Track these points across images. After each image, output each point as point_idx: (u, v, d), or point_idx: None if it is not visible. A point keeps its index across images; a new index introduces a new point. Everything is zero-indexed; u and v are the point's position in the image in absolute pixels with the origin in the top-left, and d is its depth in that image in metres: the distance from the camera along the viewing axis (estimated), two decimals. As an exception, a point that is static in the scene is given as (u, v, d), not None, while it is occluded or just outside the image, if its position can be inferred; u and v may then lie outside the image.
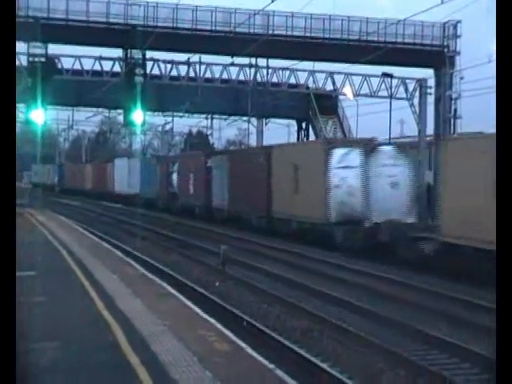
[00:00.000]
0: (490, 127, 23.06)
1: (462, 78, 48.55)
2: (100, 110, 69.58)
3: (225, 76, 51.47)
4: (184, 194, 53.19)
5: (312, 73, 52.78)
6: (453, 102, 49.23)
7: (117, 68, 47.99)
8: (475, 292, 19.78)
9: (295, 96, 57.60)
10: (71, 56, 49.00)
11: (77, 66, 48.85)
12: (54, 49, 45.44)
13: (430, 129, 50.04)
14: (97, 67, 49.06)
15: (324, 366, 12.56)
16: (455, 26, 49.45)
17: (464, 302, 18.96)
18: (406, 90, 52.64)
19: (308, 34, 48.25)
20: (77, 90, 55.06)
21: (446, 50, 49.55)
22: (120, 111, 53.40)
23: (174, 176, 56.45)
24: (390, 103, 48.33)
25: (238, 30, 44.74)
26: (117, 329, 12.05)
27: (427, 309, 18.18)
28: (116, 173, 74.43)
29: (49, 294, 15.53)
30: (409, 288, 21.49)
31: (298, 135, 64.70)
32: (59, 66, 48.22)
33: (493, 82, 38.37)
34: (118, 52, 46.49)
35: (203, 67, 50.74)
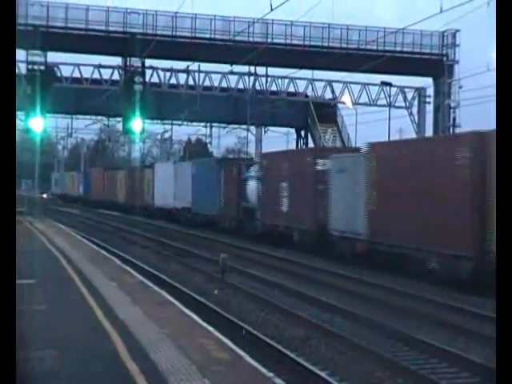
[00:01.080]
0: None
1: (460, 87, 48.71)
2: (99, 117, 69.68)
3: (224, 84, 51.71)
4: (270, 212, 36.40)
5: (311, 81, 52.92)
6: (452, 110, 49.33)
7: (116, 76, 48.17)
8: None
9: (294, 104, 57.69)
10: (70, 64, 49.21)
11: (76, 74, 49.03)
12: (53, 57, 45.65)
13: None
14: (96, 75, 49.23)
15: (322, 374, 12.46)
16: (454, 35, 49.63)
17: None
18: (405, 98, 52.81)
19: (307, 43, 48.43)
20: (76, 97, 55.12)
21: (444, 58, 49.68)
22: (119, 119, 53.48)
23: (252, 185, 39.85)
24: (389, 112, 48.47)
25: (237, 38, 44.84)
26: (116, 337, 12.03)
27: None
28: (157, 181, 59.71)
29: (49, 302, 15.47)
30: None
31: (297, 144, 64.76)
32: (58, 73, 48.38)
33: (492, 91, 38.47)
34: (117, 60, 46.73)
35: (202, 75, 50.95)
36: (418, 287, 21.96)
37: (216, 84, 51.45)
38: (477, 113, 47.39)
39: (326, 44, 48.66)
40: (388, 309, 18.60)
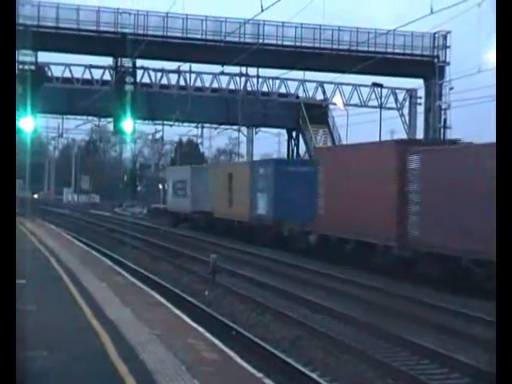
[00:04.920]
0: (480, 136, 23.00)
1: (451, 89, 48.77)
2: (90, 118, 69.50)
3: (215, 85, 51.66)
4: None
5: (302, 82, 52.94)
6: (442, 111, 49.39)
7: (107, 76, 48.13)
8: None
9: (285, 105, 57.66)
10: (61, 64, 49.11)
11: (67, 74, 48.97)
12: (43, 56, 45.53)
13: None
14: (87, 75, 49.17)
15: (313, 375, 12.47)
16: (445, 37, 49.70)
17: None
18: (396, 99, 52.86)
19: (298, 44, 48.45)
20: (67, 98, 54.98)
21: (435, 60, 49.73)
22: (110, 119, 53.28)
23: None
24: (380, 113, 48.44)
25: (228, 39, 44.83)
26: (105, 337, 11.99)
27: None
28: None
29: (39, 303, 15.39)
30: None
31: (289, 144, 64.75)
32: (49, 73, 48.26)
33: (482, 93, 38.47)
34: (108, 60, 46.65)
35: (193, 76, 50.89)
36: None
37: (207, 85, 51.40)
38: (468, 114, 47.56)
39: (317, 45, 48.66)
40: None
